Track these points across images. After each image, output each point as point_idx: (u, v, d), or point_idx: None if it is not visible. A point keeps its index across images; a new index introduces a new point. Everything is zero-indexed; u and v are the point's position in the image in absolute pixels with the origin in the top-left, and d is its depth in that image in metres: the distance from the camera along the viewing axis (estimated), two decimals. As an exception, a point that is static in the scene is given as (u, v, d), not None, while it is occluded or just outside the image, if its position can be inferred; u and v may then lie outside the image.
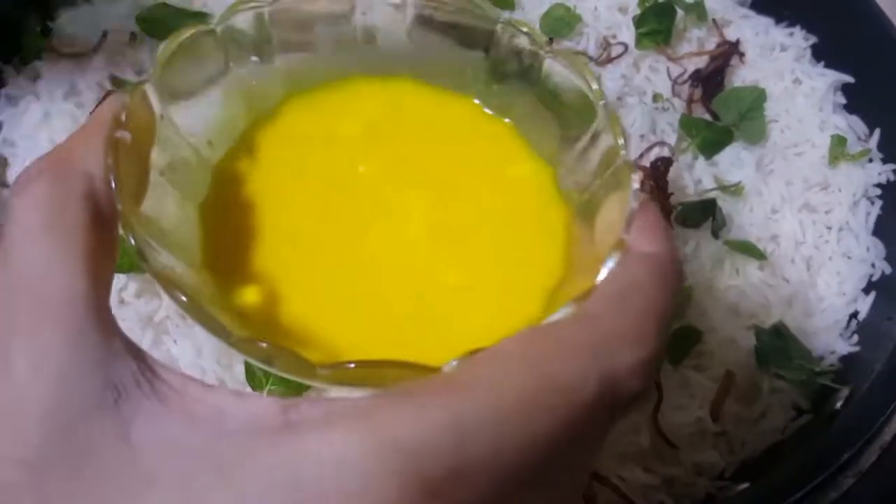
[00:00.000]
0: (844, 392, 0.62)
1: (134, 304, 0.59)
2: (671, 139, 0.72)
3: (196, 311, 0.31)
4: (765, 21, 0.85)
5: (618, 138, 0.37)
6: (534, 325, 0.31)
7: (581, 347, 0.30)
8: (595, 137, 0.39)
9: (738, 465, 0.62)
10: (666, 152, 0.70)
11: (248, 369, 0.57)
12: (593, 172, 0.39)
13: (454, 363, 0.29)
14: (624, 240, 0.33)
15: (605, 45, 0.78)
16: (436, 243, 0.40)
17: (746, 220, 0.71)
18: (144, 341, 0.58)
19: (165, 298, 0.59)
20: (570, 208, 0.41)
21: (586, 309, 0.31)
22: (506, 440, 0.26)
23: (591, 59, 0.77)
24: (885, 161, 0.76)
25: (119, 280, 0.59)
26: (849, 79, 0.80)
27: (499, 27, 0.43)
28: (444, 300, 0.38)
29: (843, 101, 0.80)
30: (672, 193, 0.68)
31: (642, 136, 0.72)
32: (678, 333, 0.62)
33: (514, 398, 0.27)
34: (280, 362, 0.30)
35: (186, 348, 0.58)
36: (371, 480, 0.24)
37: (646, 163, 0.69)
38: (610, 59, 0.78)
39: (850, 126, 0.78)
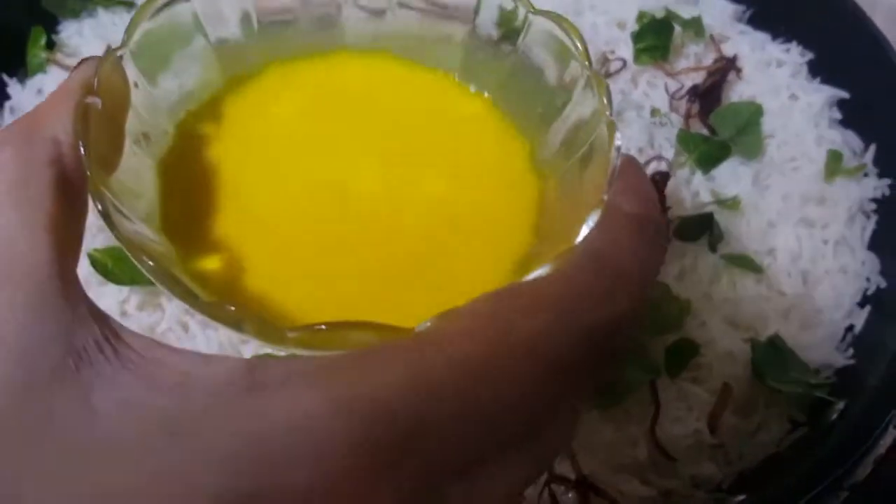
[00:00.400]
0: (840, 405, 0.62)
1: (136, 317, 0.59)
2: (669, 154, 0.73)
3: (162, 275, 0.30)
4: (762, 37, 0.86)
5: (602, 98, 0.36)
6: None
7: (552, 304, 0.29)
8: (578, 103, 0.38)
9: (734, 477, 0.62)
10: (664, 166, 0.71)
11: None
12: (577, 137, 0.38)
13: (427, 323, 0.28)
14: (604, 200, 0.32)
15: (604, 60, 0.79)
16: (403, 213, 0.39)
17: (744, 233, 0.72)
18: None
19: (168, 311, 0.60)
20: (550, 179, 0.40)
21: (561, 267, 0.30)
22: (469, 403, 0.26)
23: (589, 74, 0.78)
24: (880, 176, 0.76)
25: (121, 292, 0.60)
26: (845, 95, 0.81)
27: None
28: (414, 264, 0.37)
29: (838, 116, 0.81)
30: (670, 207, 0.69)
31: (640, 150, 0.73)
32: (676, 346, 0.63)
33: (480, 357, 0.26)
34: (249, 326, 0.29)
35: (187, 347, 0.58)
36: (324, 441, 0.24)
37: (644, 177, 0.70)
38: (608, 75, 0.78)
39: (846, 141, 0.79)
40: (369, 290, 0.36)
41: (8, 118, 0.73)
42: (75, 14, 0.81)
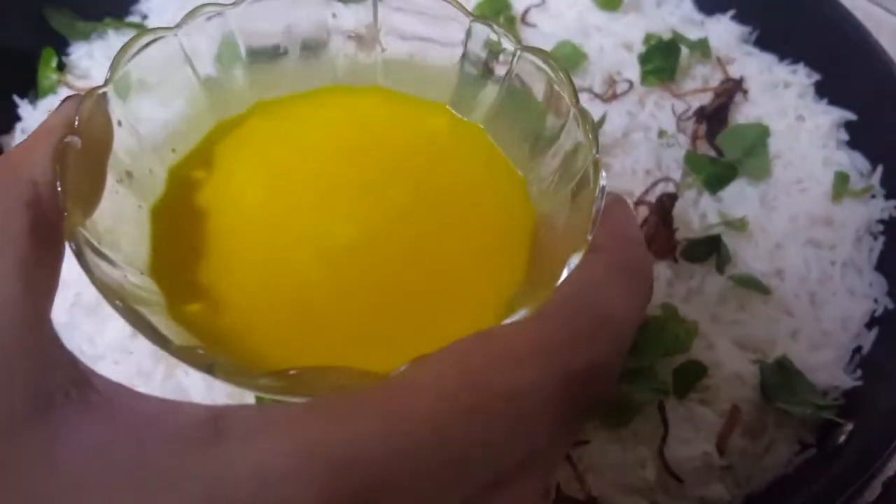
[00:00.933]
0: (848, 427, 0.62)
1: (146, 344, 0.59)
2: (676, 175, 0.74)
3: (133, 318, 0.30)
4: (768, 58, 0.87)
5: (587, 134, 0.35)
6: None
7: (529, 351, 0.28)
8: (565, 138, 0.37)
9: (743, 498, 0.62)
10: (671, 188, 0.72)
11: (259, 401, 0.58)
12: (561, 174, 0.37)
13: (402, 368, 0.28)
14: (587, 241, 0.31)
15: (611, 82, 0.80)
16: (392, 254, 0.38)
17: (751, 255, 0.72)
18: (156, 374, 0.59)
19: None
20: (543, 214, 0.39)
21: (540, 312, 0.30)
22: (438, 451, 0.26)
23: (596, 95, 0.78)
24: (887, 197, 0.77)
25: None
26: (851, 116, 0.81)
27: (471, 26, 0.41)
28: (399, 307, 0.36)
29: (845, 137, 0.81)
30: (677, 229, 0.69)
31: (647, 172, 0.73)
32: (683, 367, 0.63)
33: (448, 406, 0.26)
34: (220, 370, 0.29)
35: (197, 380, 0.58)
36: (293, 490, 0.24)
37: (651, 198, 0.70)
38: (615, 96, 0.79)
39: (853, 163, 0.79)
40: (355, 334, 0.36)
41: (19, 139, 0.74)
42: (85, 36, 0.82)
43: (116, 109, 0.36)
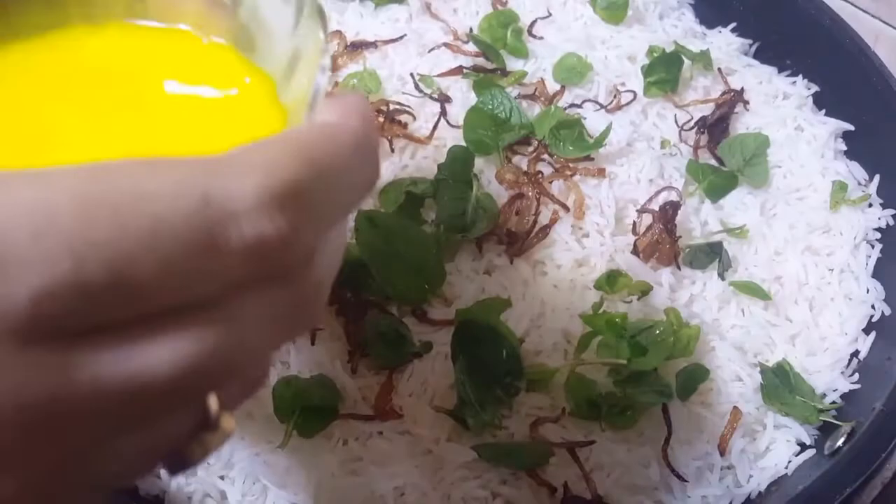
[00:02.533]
0: (846, 428, 0.64)
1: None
2: (678, 184, 0.75)
3: None
4: (768, 70, 0.89)
5: (318, 26, 0.36)
6: None
7: (189, 163, 0.27)
8: (304, 33, 0.38)
9: (743, 498, 0.64)
10: (674, 196, 0.73)
11: (277, 403, 0.60)
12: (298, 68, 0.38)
13: None
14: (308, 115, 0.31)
15: (615, 92, 0.82)
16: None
17: (751, 261, 0.74)
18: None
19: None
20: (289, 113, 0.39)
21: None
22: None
23: (601, 105, 0.80)
24: (884, 206, 0.79)
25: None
26: (849, 127, 0.83)
27: None
28: None
29: (843, 147, 0.84)
30: (680, 237, 0.71)
31: (651, 181, 0.75)
32: (686, 371, 0.65)
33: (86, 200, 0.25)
34: None
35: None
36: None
37: (654, 206, 0.72)
38: (619, 106, 0.81)
39: (851, 172, 0.81)
40: None
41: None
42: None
43: None
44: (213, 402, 0.29)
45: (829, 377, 0.69)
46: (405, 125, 0.75)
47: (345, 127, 0.31)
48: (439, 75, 0.79)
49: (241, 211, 0.26)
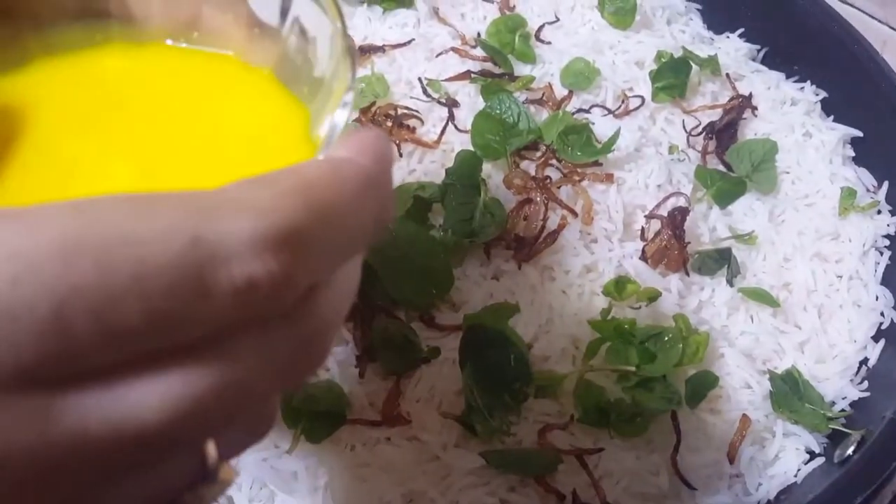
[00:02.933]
0: (856, 437, 0.64)
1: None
2: (687, 189, 0.75)
3: None
4: (776, 76, 0.89)
5: (346, 59, 0.36)
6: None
7: (181, 201, 0.26)
8: (337, 70, 0.37)
9: (752, 506, 0.64)
10: (682, 202, 0.73)
11: (285, 408, 0.60)
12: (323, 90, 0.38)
13: None
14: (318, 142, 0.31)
15: (623, 97, 0.82)
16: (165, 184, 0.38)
17: (760, 268, 0.74)
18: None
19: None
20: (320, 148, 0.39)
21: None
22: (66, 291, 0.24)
23: (609, 111, 0.80)
24: (893, 213, 0.78)
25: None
26: (857, 133, 0.83)
27: None
28: None
29: (851, 153, 0.83)
30: (689, 243, 0.71)
31: (659, 187, 0.75)
32: (695, 378, 0.65)
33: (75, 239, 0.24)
34: None
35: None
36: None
37: (663, 212, 0.72)
38: (627, 112, 0.81)
39: (860, 178, 0.81)
40: None
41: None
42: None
43: None
44: (210, 449, 0.28)
45: (838, 385, 0.69)
46: (413, 129, 0.75)
47: (352, 164, 0.30)
48: (447, 80, 0.79)
49: (233, 254, 0.25)
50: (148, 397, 0.25)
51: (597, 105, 0.80)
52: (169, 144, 0.41)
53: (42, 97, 0.42)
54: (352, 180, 0.29)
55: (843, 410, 0.68)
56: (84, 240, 0.24)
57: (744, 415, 0.64)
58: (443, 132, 0.75)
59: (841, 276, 0.75)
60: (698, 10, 0.94)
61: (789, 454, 0.65)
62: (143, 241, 0.24)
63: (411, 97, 0.78)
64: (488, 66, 0.81)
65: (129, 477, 0.27)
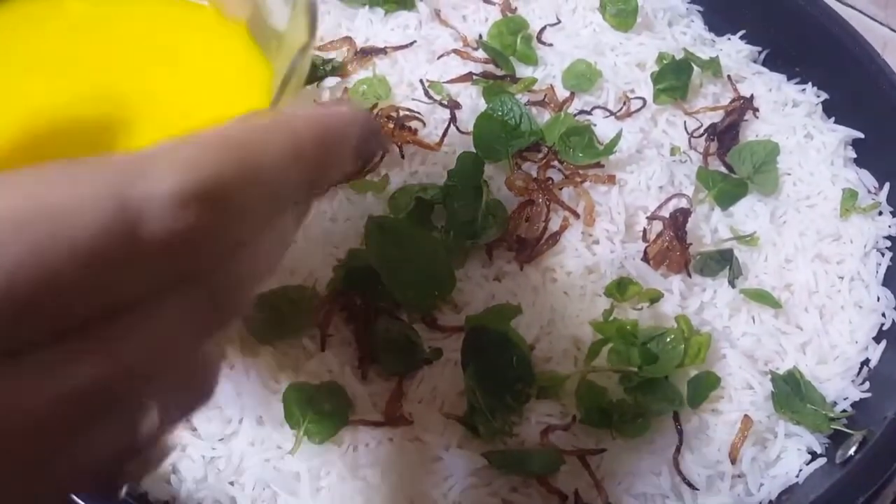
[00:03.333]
0: (858, 437, 0.64)
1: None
2: (688, 191, 0.75)
3: None
4: (777, 77, 0.89)
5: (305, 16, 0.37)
6: None
7: (105, 168, 0.26)
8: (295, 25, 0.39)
9: (754, 507, 0.64)
10: (684, 203, 0.73)
11: (287, 409, 0.60)
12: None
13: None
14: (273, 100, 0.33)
15: (625, 99, 0.82)
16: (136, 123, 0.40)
17: (761, 269, 0.74)
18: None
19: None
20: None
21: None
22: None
23: (611, 112, 0.80)
24: (894, 214, 0.79)
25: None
26: (859, 134, 0.83)
27: None
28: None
29: (853, 155, 0.83)
30: (690, 244, 0.71)
31: (661, 188, 0.75)
32: (697, 378, 0.65)
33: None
34: None
35: (227, 387, 0.60)
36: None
37: (665, 213, 0.72)
38: (629, 113, 0.81)
39: (861, 180, 0.81)
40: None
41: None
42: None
43: None
44: (147, 413, 0.29)
45: (839, 385, 0.69)
46: (415, 131, 0.75)
47: (285, 126, 0.30)
48: (449, 81, 0.79)
49: (156, 211, 0.26)
50: (81, 363, 0.26)
51: (598, 107, 0.80)
52: (134, 88, 0.42)
53: (14, 35, 0.44)
54: (278, 143, 0.29)
55: (844, 411, 0.68)
56: (10, 212, 0.24)
57: (745, 415, 0.65)
58: (445, 134, 0.75)
59: (842, 277, 0.75)
60: (699, 11, 0.94)
61: (791, 455, 0.65)
62: (69, 211, 0.25)
63: (413, 99, 0.78)
64: (490, 68, 0.81)
65: (70, 445, 0.27)
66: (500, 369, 0.62)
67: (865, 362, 0.71)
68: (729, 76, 0.87)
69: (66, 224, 0.25)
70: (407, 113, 0.76)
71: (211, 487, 0.61)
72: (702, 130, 0.81)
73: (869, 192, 0.81)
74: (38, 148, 0.40)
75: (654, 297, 0.68)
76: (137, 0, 0.46)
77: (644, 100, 0.82)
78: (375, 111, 0.76)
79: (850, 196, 0.78)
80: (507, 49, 0.84)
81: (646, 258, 0.70)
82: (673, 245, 0.70)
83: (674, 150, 0.80)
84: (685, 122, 0.82)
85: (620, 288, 0.67)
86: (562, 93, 0.81)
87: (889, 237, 0.78)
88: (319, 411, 0.60)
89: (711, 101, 0.85)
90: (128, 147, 0.39)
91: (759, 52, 0.92)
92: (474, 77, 0.80)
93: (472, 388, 0.61)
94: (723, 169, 0.80)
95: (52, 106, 0.42)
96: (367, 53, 0.81)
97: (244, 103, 0.41)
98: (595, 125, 0.77)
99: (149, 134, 0.40)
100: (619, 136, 0.74)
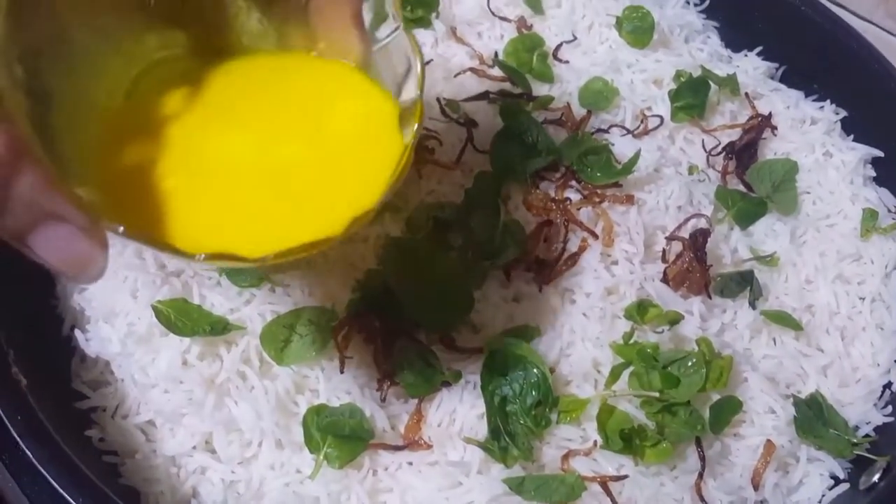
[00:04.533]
0: (881, 463, 0.63)
1: (197, 367, 0.61)
2: (707, 210, 0.75)
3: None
4: (795, 94, 0.88)
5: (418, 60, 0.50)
6: None
7: None
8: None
9: (777, 532, 0.63)
10: (703, 223, 0.73)
11: (307, 432, 0.60)
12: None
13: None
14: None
15: (642, 117, 0.81)
16: (283, 165, 0.51)
17: (781, 290, 0.74)
18: (207, 403, 0.60)
19: (226, 361, 0.61)
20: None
21: None
22: None
23: (628, 130, 0.79)
24: (915, 234, 0.78)
25: (183, 343, 0.62)
26: (878, 153, 0.83)
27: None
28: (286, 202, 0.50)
29: (872, 173, 0.83)
30: (711, 265, 0.70)
31: (679, 208, 0.74)
32: (719, 403, 0.64)
33: None
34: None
35: (247, 410, 0.60)
36: None
37: (684, 233, 0.71)
38: (646, 131, 0.80)
39: (881, 199, 0.80)
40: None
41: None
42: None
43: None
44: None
45: (861, 409, 0.69)
46: (432, 150, 0.75)
47: None
48: (465, 100, 0.79)
49: None
50: None
51: (615, 125, 0.80)
52: (288, 132, 0.53)
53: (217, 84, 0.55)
54: None
55: (867, 436, 0.67)
56: None
57: (768, 440, 0.64)
58: (461, 153, 0.75)
59: (863, 298, 0.74)
60: (716, 27, 0.93)
61: (814, 480, 0.65)
62: None
63: (430, 118, 0.77)
64: (506, 86, 0.81)
65: None
66: (520, 392, 0.62)
67: (888, 385, 0.70)
68: (746, 93, 0.86)
69: None
70: (424, 132, 0.75)
71: (230, 512, 0.60)
72: (720, 148, 0.81)
73: (889, 211, 0.80)
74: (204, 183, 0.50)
75: (675, 320, 0.67)
76: (301, 62, 0.57)
77: (661, 117, 0.81)
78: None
79: (870, 216, 0.78)
80: (524, 66, 0.83)
81: (665, 279, 0.70)
82: (693, 266, 0.69)
83: (692, 169, 0.79)
84: (703, 140, 0.81)
85: (640, 310, 0.66)
86: (578, 111, 0.80)
87: (910, 257, 0.77)
88: (339, 435, 0.60)
89: (729, 119, 0.84)
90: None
91: (777, 69, 0.91)
92: (491, 95, 0.79)
93: (492, 411, 0.61)
94: (742, 188, 0.79)
95: (218, 146, 0.52)
96: (383, 71, 0.81)
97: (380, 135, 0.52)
98: (613, 144, 0.77)
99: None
100: (637, 155, 0.73)
